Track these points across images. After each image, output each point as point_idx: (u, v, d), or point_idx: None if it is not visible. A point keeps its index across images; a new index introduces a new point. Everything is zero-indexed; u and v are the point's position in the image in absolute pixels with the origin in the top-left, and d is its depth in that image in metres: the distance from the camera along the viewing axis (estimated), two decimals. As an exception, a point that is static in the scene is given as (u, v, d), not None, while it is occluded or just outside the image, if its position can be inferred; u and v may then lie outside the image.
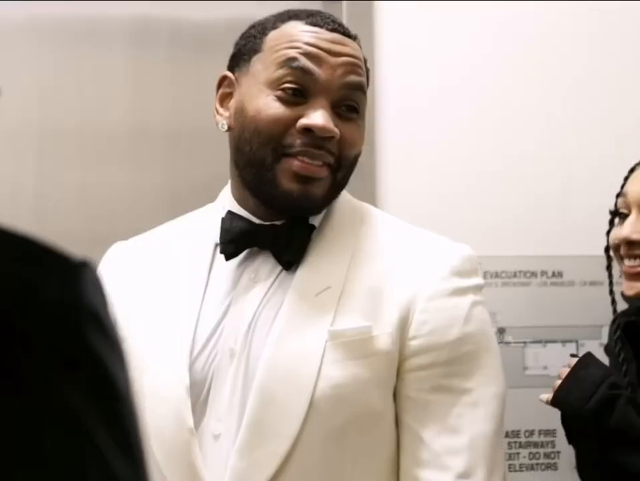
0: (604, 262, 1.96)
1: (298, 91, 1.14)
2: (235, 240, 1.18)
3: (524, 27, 2.01)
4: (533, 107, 2.00)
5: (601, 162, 1.99)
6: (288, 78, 1.14)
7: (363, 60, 1.21)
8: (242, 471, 1.11)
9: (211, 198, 1.33)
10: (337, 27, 1.18)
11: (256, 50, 1.18)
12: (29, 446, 0.43)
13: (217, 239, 1.21)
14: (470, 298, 1.17)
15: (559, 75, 2.01)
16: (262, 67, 1.17)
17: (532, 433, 1.91)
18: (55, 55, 1.97)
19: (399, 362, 1.13)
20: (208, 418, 1.14)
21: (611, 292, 1.56)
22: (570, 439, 1.48)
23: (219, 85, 1.22)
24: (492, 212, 1.95)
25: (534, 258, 1.95)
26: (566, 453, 1.92)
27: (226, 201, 1.24)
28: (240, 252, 1.19)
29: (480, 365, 1.14)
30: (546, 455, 1.93)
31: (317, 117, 1.13)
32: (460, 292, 1.16)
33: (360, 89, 1.18)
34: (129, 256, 1.29)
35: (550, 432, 1.92)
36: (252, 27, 1.22)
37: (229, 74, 1.22)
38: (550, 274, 1.95)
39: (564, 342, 1.93)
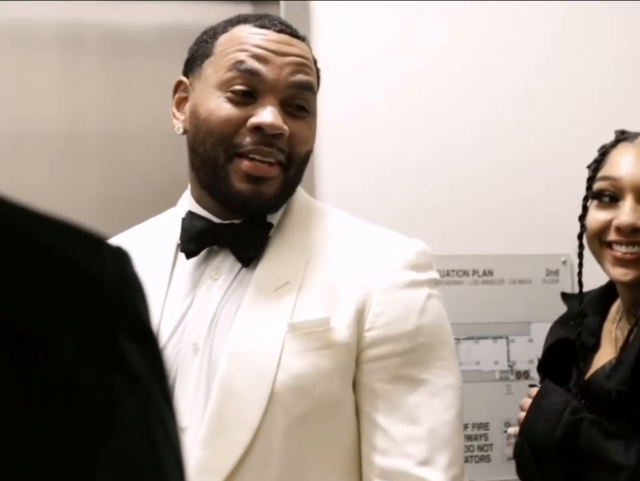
0: (532, 260, 2.03)
1: (248, 92, 1.17)
2: (195, 238, 1.21)
3: (463, 22, 2.06)
4: (467, 107, 2.04)
5: (532, 163, 2.05)
6: (237, 80, 1.17)
7: (312, 60, 1.23)
8: (206, 462, 1.13)
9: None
10: (284, 29, 1.22)
11: (207, 54, 1.21)
12: (111, 413, 0.48)
13: (178, 240, 1.24)
14: (425, 291, 1.19)
15: (500, 74, 2.06)
16: (213, 71, 1.20)
17: (465, 426, 1.96)
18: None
19: (358, 353, 1.15)
20: None
21: (580, 278, 1.55)
22: (538, 466, 1.49)
23: (175, 90, 1.26)
24: (424, 213, 1.99)
25: (466, 257, 2.00)
26: (499, 445, 1.98)
27: (187, 202, 1.27)
28: (201, 250, 1.22)
29: (436, 356, 1.17)
30: (480, 448, 1.98)
31: (266, 115, 1.16)
32: (415, 285, 1.18)
33: (308, 88, 1.20)
34: None
35: (483, 425, 1.97)
36: (205, 32, 1.25)
37: (184, 79, 1.25)
38: (481, 272, 2.00)
39: (495, 338, 1.98)
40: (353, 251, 1.20)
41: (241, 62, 1.18)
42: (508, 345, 1.99)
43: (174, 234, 1.25)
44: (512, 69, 2.08)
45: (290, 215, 1.24)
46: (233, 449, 1.12)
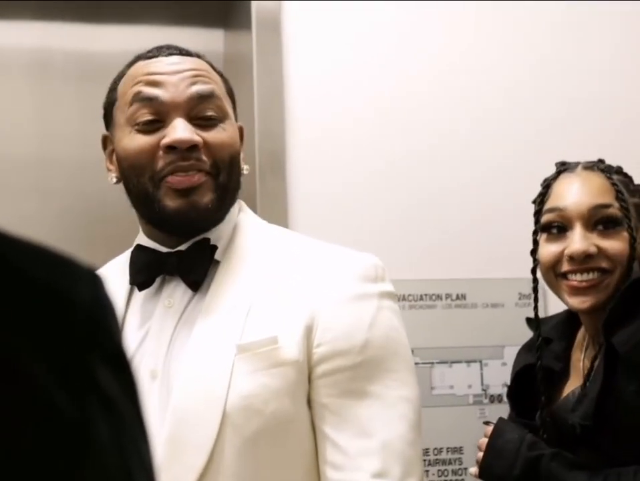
0: (504, 284, 2.03)
1: (153, 120, 1.21)
2: (142, 269, 1.24)
3: (434, 25, 2.06)
4: (442, 121, 2.04)
5: (504, 185, 2.05)
6: (140, 111, 1.21)
7: (210, 71, 1.26)
8: None
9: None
10: (172, 51, 1.25)
11: (112, 102, 1.26)
12: (86, 439, 0.48)
13: None
14: (375, 303, 1.18)
15: (480, 84, 2.06)
16: (120, 113, 1.24)
17: (440, 450, 1.96)
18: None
19: (309, 370, 1.16)
20: None
21: (536, 312, 1.56)
22: None
23: (104, 147, 1.30)
24: (398, 237, 1.98)
25: (439, 281, 2.00)
26: (473, 469, 1.97)
27: (138, 238, 1.30)
28: (151, 281, 1.24)
29: (388, 368, 1.16)
30: (454, 472, 1.97)
31: (173, 132, 1.19)
32: (364, 297, 1.18)
33: (210, 95, 1.22)
34: None
35: (458, 449, 1.97)
36: (112, 83, 1.29)
37: (107, 133, 1.29)
38: (454, 297, 2.00)
39: (468, 362, 1.99)
40: (302, 268, 1.21)
41: (138, 93, 1.21)
42: (481, 368, 1.99)
43: (127, 272, 1.28)
44: (494, 77, 2.09)
45: (237, 236, 1.26)
46: (188, 474, 1.13)
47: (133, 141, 1.21)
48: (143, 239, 1.27)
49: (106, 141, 1.30)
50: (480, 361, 1.99)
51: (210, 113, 1.22)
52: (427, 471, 1.95)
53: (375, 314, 1.18)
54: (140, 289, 1.25)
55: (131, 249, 1.33)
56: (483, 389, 1.99)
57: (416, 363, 1.94)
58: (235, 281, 1.21)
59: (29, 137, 1.98)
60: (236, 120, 1.29)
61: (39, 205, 1.96)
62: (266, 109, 1.93)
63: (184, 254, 1.23)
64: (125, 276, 1.28)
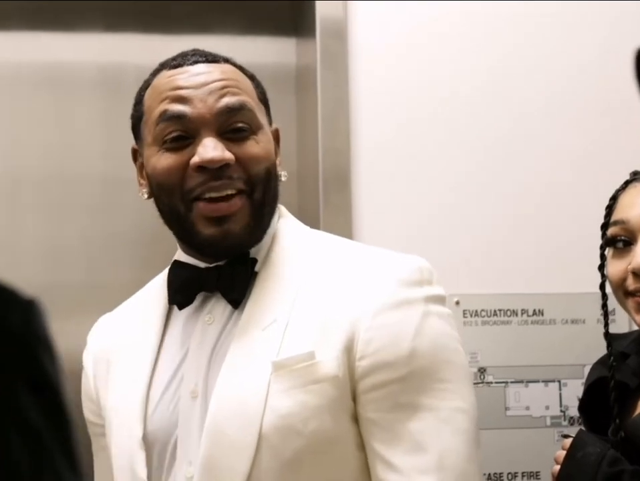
0: (585, 299, 1.95)
1: (181, 136, 1.17)
2: (181, 288, 1.21)
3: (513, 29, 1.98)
4: (523, 131, 1.96)
5: (585, 198, 1.97)
6: (167, 130, 1.17)
7: (240, 77, 1.22)
8: None
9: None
10: (198, 59, 1.20)
11: (140, 117, 1.23)
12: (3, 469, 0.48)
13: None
14: (420, 309, 1.13)
15: (554, 91, 1.98)
16: (147, 131, 1.20)
17: (515, 476, 1.88)
18: None
19: (353, 385, 1.11)
20: (180, 462, 1.16)
21: (606, 329, 1.49)
22: None
23: (134, 159, 1.27)
24: (471, 249, 1.92)
25: (515, 296, 1.93)
26: (551, 496, 1.89)
27: (177, 254, 1.27)
28: (192, 299, 1.21)
29: (439, 378, 1.11)
30: (530, 499, 1.90)
31: (203, 152, 1.14)
32: (408, 303, 1.13)
33: (240, 108, 1.18)
34: (108, 328, 1.35)
35: (534, 474, 1.89)
36: (137, 93, 1.26)
37: (135, 146, 1.26)
38: (530, 312, 1.93)
39: (546, 382, 1.91)
40: (343, 277, 1.16)
41: (164, 112, 1.17)
42: (560, 388, 1.91)
43: (164, 292, 1.26)
44: (585, 77, 1.99)
45: (276, 247, 1.22)
46: None
47: (161, 160, 1.17)
48: (181, 255, 1.25)
49: (136, 155, 1.27)
50: (559, 381, 1.91)
51: (241, 125, 1.18)
52: (501, 497, 1.86)
53: (420, 321, 1.12)
54: (180, 308, 1.22)
55: (168, 267, 1.30)
56: (561, 410, 1.91)
57: (489, 383, 1.88)
58: (273, 295, 1.17)
59: (98, 155, 1.97)
60: (271, 124, 1.25)
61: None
62: (330, 123, 1.88)
63: (223, 270, 1.19)
64: (164, 296, 1.25)
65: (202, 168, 1.14)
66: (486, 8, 1.97)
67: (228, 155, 1.15)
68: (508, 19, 1.98)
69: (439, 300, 1.16)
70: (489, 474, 1.85)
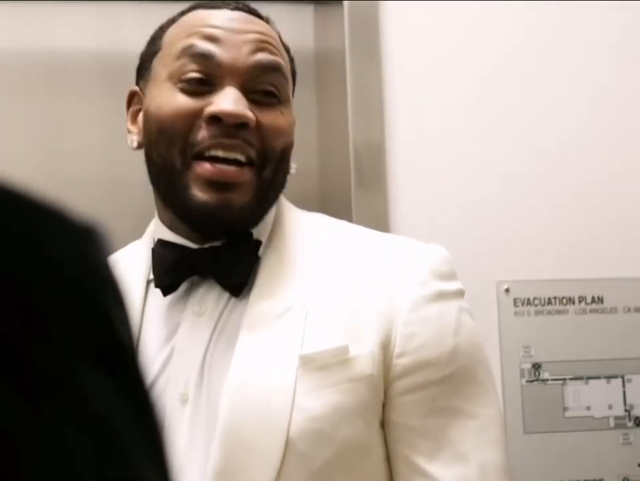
0: (651, 285, 1.84)
1: (203, 79, 1.03)
2: (170, 270, 1.06)
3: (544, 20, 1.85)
4: (570, 113, 1.85)
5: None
6: (189, 67, 1.03)
7: (278, 41, 1.09)
8: None
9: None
10: (240, 7, 1.08)
11: (155, 52, 1.09)
12: (55, 458, 0.36)
13: (148, 275, 1.10)
14: (456, 304, 1.05)
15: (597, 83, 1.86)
16: (162, 65, 1.06)
17: (575, 483, 1.75)
18: None
19: (386, 385, 1.01)
20: None
21: None
22: None
23: (128, 104, 1.13)
24: (522, 231, 1.80)
25: (571, 282, 1.81)
26: (616, 506, 1.77)
27: (156, 231, 1.11)
28: (179, 284, 1.06)
29: (477, 381, 1.04)
30: (593, 510, 1.77)
31: (223, 102, 1.01)
32: (445, 297, 1.05)
33: (275, 69, 1.05)
34: None
35: (596, 482, 1.77)
36: (156, 30, 1.13)
37: (136, 88, 1.12)
38: (589, 300, 1.82)
39: (608, 378, 1.79)
40: (367, 264, 1.05)
41: (191, 46, 1.04)
42: (624, 385, 1.79)
43: (141, 270, 1.10)
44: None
45: (281, 229, 1.09)
46: None
47: (172, 99, 1.02)
48: (165, 232, 1.09)
49: (132, 99, 1.12)
50: (622, 377, 1.79)
51: (271, 88, 1.05)
52: (560, 508, 1.74)
53: (458, 317, 1.04)
54: (165, 294, 1.06)
55: (137, 241, 1.15)
56: (626, 410, 1.79)
57: (545, 380, 1.76)
58: (284, 280, 1.04)
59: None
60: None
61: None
62: (362, 115, 1.73)
63: (221, 252, 1.05)
64: (137, 275, 1.10)
65: (217, 120, 1.01)
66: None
67: (250, 114, 1.01)
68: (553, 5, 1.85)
69: (464, 295, 1.10)
70: (546, 483, 1.73)
